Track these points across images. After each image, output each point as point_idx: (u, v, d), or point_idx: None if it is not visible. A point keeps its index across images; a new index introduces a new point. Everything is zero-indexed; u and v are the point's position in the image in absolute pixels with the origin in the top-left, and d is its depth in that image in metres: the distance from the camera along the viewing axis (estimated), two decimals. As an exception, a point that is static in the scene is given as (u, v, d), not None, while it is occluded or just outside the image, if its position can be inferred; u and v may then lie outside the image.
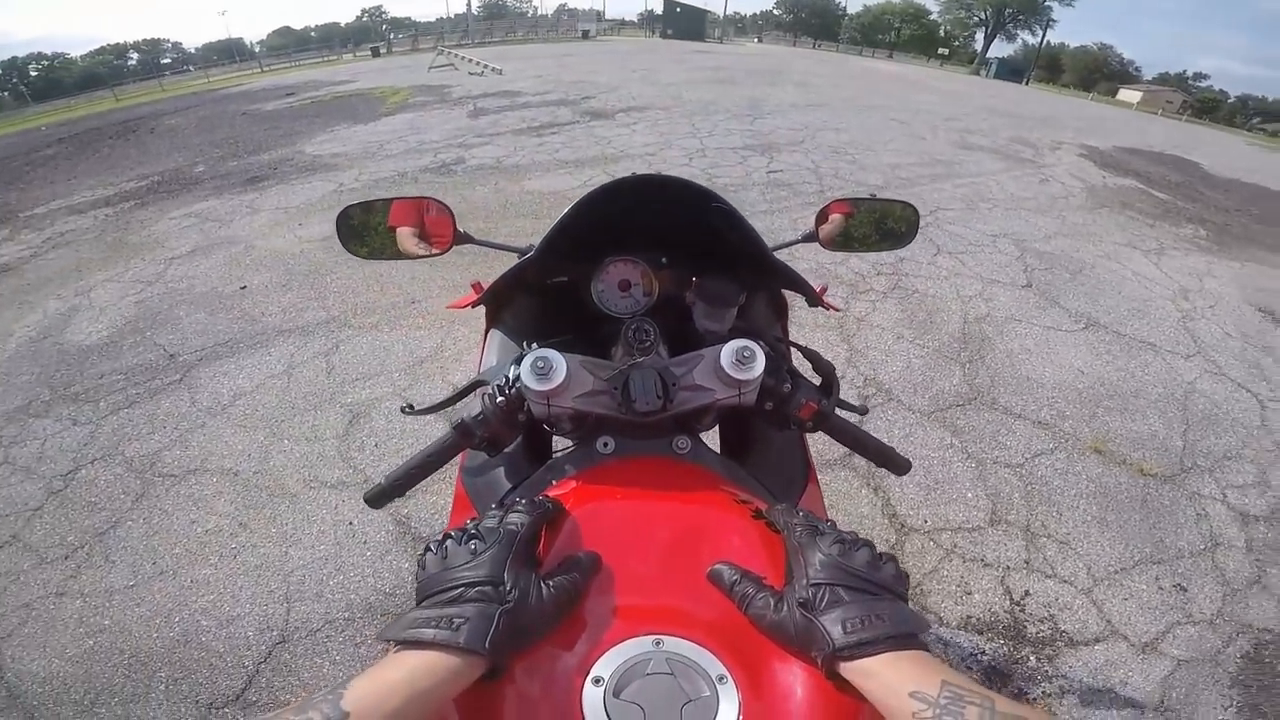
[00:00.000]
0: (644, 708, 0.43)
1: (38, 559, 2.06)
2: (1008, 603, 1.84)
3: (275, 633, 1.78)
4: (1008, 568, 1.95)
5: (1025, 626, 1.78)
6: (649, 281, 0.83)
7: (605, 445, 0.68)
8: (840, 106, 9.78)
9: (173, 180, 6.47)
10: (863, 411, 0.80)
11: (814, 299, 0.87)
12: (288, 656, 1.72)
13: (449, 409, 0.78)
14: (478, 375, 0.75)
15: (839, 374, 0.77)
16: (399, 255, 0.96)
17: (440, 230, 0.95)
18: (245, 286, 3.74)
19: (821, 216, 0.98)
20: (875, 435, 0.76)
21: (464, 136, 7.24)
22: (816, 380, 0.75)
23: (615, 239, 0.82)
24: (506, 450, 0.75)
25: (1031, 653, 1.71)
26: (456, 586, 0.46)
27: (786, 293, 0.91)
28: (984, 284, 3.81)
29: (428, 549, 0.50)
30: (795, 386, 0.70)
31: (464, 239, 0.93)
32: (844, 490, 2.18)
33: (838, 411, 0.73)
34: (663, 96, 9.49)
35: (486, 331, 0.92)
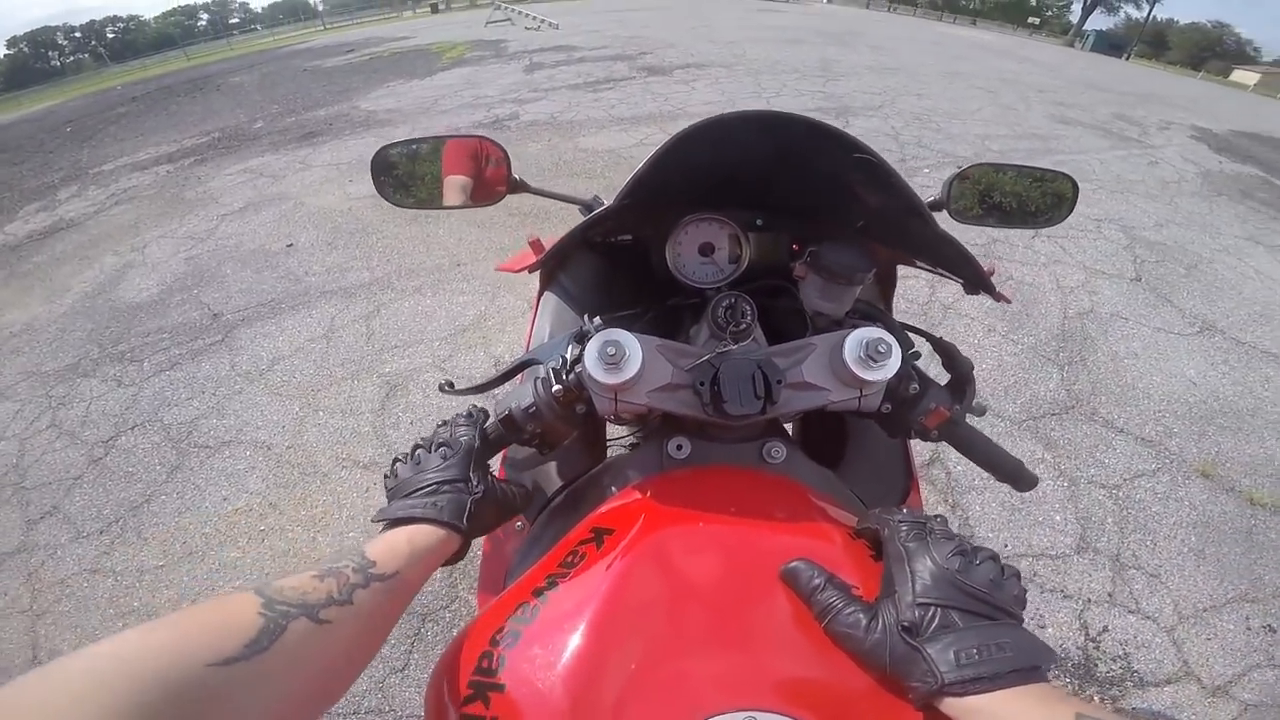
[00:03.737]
0: None
1: (75, 532, 2.07)
2: (1082, 639, 1.64)
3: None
4: (1089, 600, 1.74)
5: (1096, 665, 1.59)
6: (737, 246, 0.68)
7: (679, 449, 0.57)
8: (920, 72, 9.02)
9: (232, 136, 6.54)
10: (980, 413, 0.63)
11: (983, 284, 0.63)
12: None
13: (493, 390, 0.66)
14: (528, 353, 0.64)
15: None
16: (443, 205, 0.84)
17: (493, 177, 0.83)
18: (292, 244, 3.71)
19: (952, 182, 0.78)
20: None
21: (519, 91, 7.03)
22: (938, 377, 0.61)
23: (697, 194, 0.65)
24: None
25: (1096, 692, 1.53)
26: (431, 484, 0.53)
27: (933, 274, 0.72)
28: (1087, 274, 3.38)
29: (397, 460, 0.58)
30: (924, 388, 0.57)
31: (520, 187, 0.82)
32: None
33: None
34: (724, 54, 8.96)
35: (539, 295, 0.79)
